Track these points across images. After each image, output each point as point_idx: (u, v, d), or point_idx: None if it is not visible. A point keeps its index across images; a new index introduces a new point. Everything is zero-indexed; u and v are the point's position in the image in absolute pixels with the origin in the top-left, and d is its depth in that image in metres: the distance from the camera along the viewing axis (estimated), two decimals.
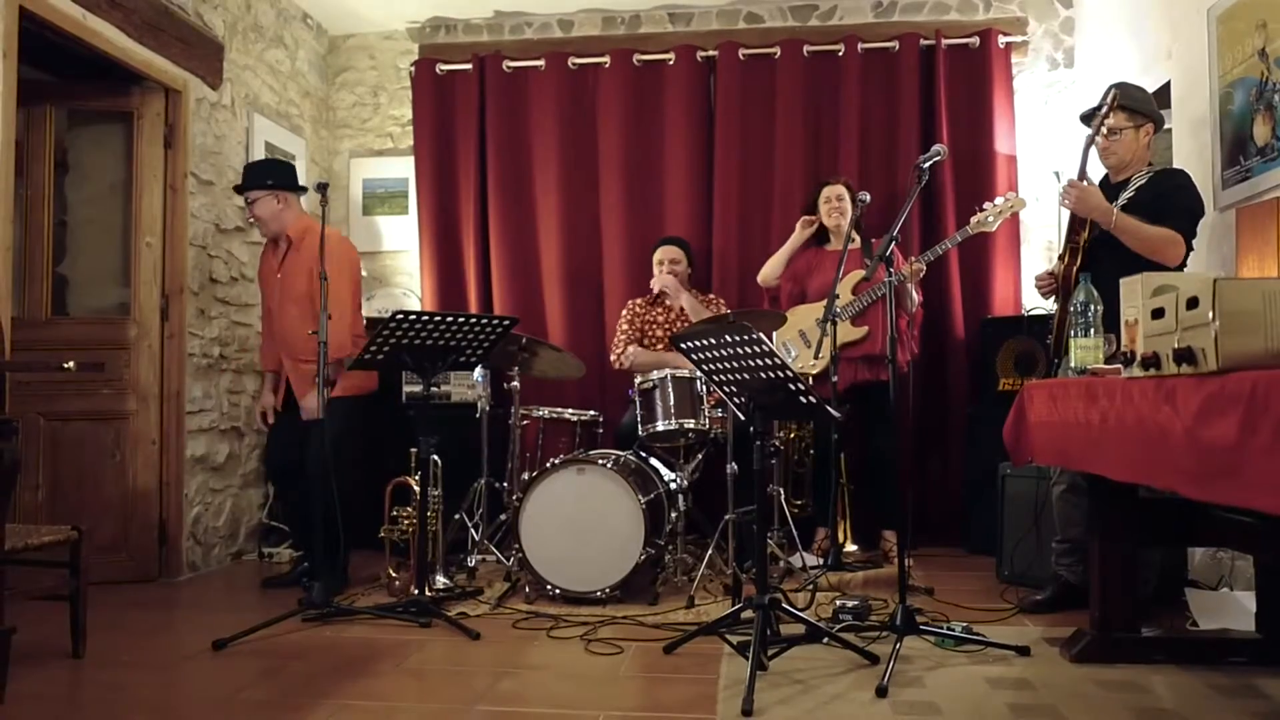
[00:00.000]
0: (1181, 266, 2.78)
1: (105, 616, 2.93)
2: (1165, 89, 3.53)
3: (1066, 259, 2.90)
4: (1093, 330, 2.36)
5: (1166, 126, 3.62)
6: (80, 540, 2.56)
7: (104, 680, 2.40)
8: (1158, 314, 1.86)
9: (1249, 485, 1.46)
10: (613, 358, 4.06)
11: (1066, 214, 2.96)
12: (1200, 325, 1.67)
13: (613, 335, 4.37)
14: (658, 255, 4.05)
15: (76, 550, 2.57)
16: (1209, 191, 3.15)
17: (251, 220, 3.57)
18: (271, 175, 3.51)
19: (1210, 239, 3.17)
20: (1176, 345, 1.75)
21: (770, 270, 3.99)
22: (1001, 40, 4.41)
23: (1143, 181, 2.88)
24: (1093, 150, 2.91)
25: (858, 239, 3.80)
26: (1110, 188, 2.95)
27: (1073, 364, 2.39)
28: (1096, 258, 2.80)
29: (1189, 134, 3.35)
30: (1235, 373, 1.57)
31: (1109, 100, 2.86)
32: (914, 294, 3.70)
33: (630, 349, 3.96)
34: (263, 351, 3.76)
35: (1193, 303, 1.71)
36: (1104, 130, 2.90)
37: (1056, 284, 2.95)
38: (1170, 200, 2.80)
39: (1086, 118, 3.01)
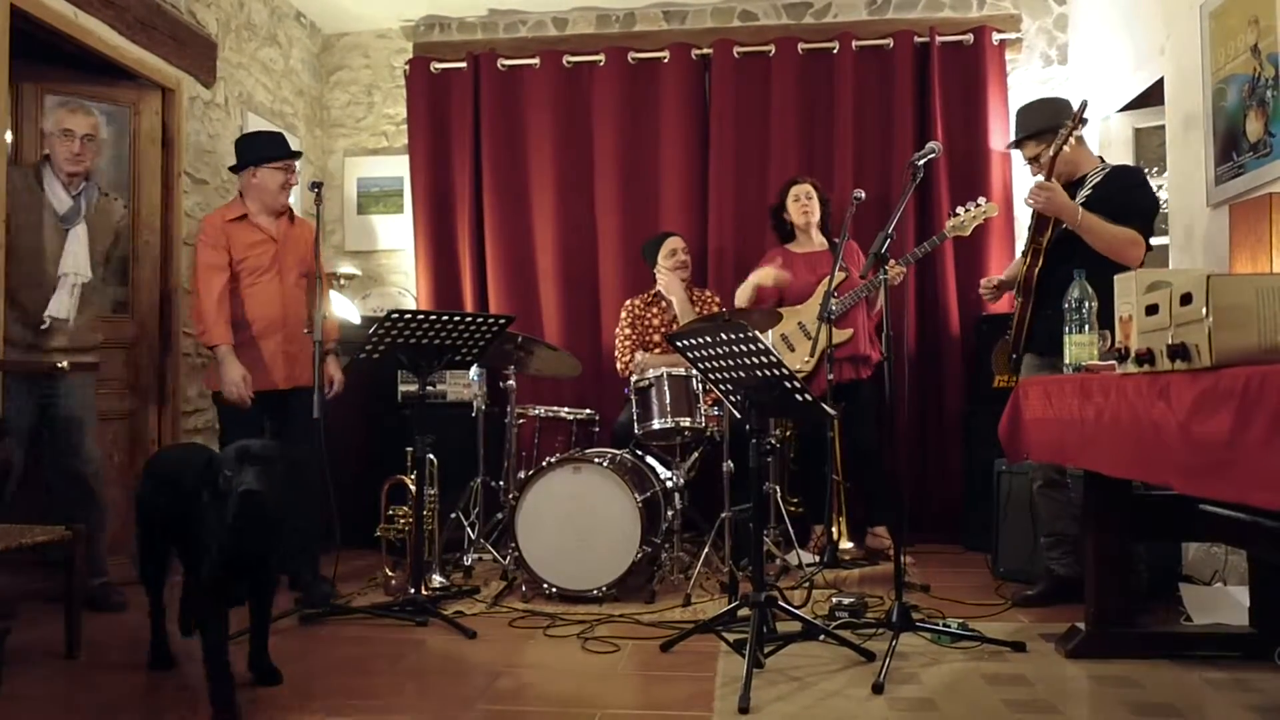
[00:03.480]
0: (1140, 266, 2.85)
1: (101, 617, 2.91)
2: (1158, 85, 3.54)
3: (1029, 259, 2.94)
4: (1087, 326, 2.37)
5: (1159, 123, 3.65)
6: (74, 540, 2.56)
7: (98, 681, 2.39)
8: (1152, 310, 1.87)
9: (1242, 481, 1.46)
10: (619, 366, 4.04)
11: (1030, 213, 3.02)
12: (1194, 321, 1.68)
13: (609, 333, 4.37)
14: (670, 245, 4.01)
15: (70, 550, 2.56)
16: (1202, 188, 3.16)
17: (288, 185, 3.31)
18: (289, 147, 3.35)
19: (1203, 235, 3.18)
20: (1170, 341, 1.76)
21: (741, 300, 3.90)
22: (995, 37, 4.41)
23: (1098, 179, 2.95)
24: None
25: (824, 240, 3.87)
26: (1067, 188, 3.01)
27: (1067, 360, 2.40)
28: (1059, 258, 2.86)
29: (1182, 130, 3.36)
30: (1229, 368, 1.57)
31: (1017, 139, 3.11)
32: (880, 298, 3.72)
33: (638, 355, 3.95)
34: (219, 322, 3.16)
35: (1186, 299, 1.72)
36: (1028, 163, 3.11)
37: (1000, 290, 3.14)
38: (1127, 200, 2.86)
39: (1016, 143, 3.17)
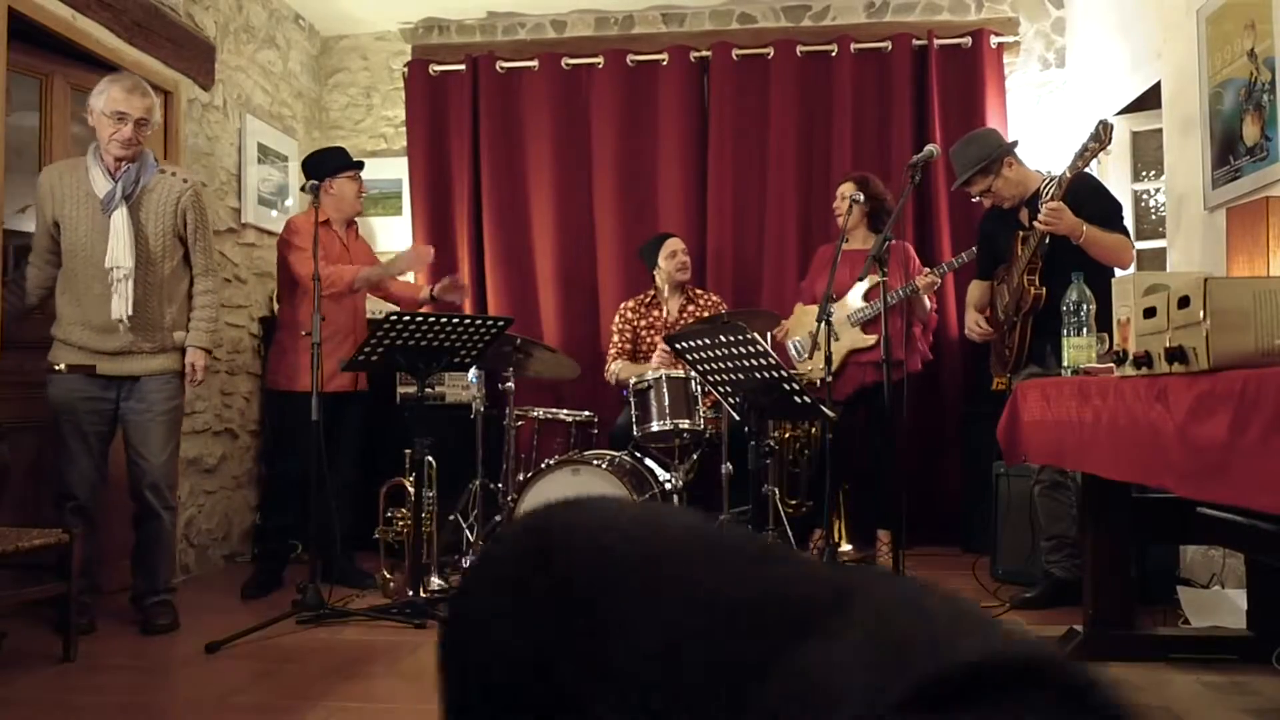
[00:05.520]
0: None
1: (100, 621, 2.90)
2: (1156, 89, 3.55)
3: (1025, 278, 2.96)
4: (1085, 329, 2.38)
5: (1157, 127, 3.67)
6: (70, 543, 2.55)
7: (95, 684, 2.39)
8: (1150, 313, 1.87)
9: (1240, 483, 1.47)
10: (606, 373, 4.06)
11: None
12: (1192, 324, 1.68)
13: (607, 336, 4.37)
14: (670, 246, 3.98)
15: (67, 554, 2.55)
16: (1199, 191, 3.17)
17: (362, 193, 3.66)
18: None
19: (1201, 238, 3.19)
20: (1168, 344, 1.76)
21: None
22: (993, 40, 4.42)
23: (1053, 190, 2.96)
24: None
25: (871, 238, 3.78)
26: (1013, 211, 3.09)
27: (1065, 363, 2.40)
28: (1050, 273, 2.91)
29: (1179, 133, 3.37)
30: (1226, 371, 1.57)
31: (964, 182, 3.16)
32: (926, 302, 3.70)
33: (615, 365, 3.95)
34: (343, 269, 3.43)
35: (1184, 302, 1.72)
36: (979, 198, 3.18)
37: (996, 323, 3.17)
38: (1102, 206, 2.93)
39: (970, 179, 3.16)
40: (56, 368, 2.80)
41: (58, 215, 2.80)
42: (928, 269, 3.67)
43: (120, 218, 2.75)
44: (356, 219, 3.72)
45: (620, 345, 4.03)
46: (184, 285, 2.96)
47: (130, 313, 2.76)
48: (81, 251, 2.78)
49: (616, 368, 3.92)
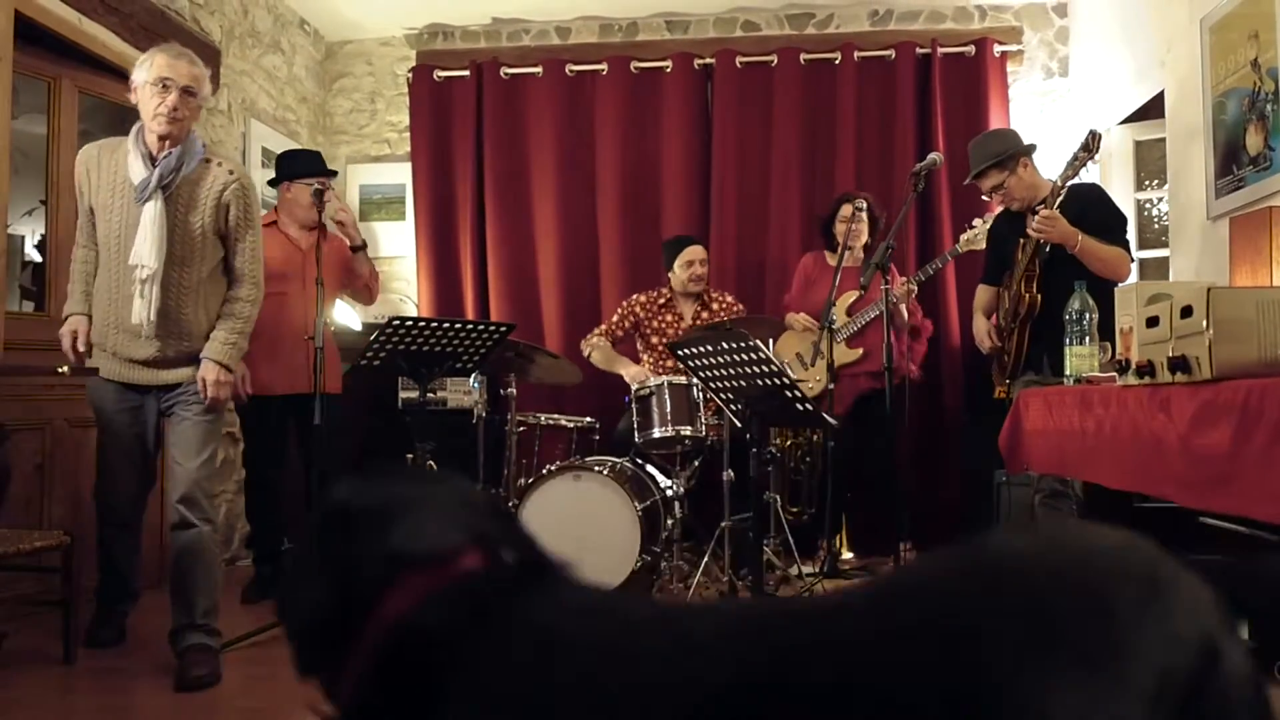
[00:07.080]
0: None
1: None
2: (1159, 98, 3.55)
3: (1023, 286, 2.96)
4: (1088, 338, 2.37)
5: (1160, 136, 3.67)
6: (72, 546, 2.55)
7: (94, 687, 2.39)
8: (1152, 322, 1.87)
9: (1242, 494, 1.46)
10: (583, 343, 4.01)
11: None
12: (1194, 334, 1.68)
13: None
14: (687, 255, 3.87)
15: (68, 556, 2.55)
16: (1202, 201, 3.17)
17: (329, 199, 3.31)
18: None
19: (1204, 248, 3.19)
20: (1171, 354, 1.76)
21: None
22: (997, 49, 4.43)
23: (1061, 200, 2.94)
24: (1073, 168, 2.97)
25: (860, 254, 3.77)
26: (1019, 216, 3.07)
27: (1068, 371, 2.40)
28: (1048, 282, 2.91)
29: (1182, 143, 3.37)
30: (1229, 381, 1.57)
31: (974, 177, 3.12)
32: (905, 311, 3.66)
33: (596, 340, 3.93)
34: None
35: (1187, 311, 1.72)
36: (989, 195, 3.14)
37: (1000, 334, 3.16)
38: (1104, 218, 2.93)
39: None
40: (69, 373, 2.70)
41: (93, 202, 2.51)
42: (903, 278, 3.66)
43: (152, 210, 2.39)
44: (357, 224, 3.60)
45: (610, 327, 3.98)
46: (224, 290, 2.61)
47: (153, 318, 2.41)
48: (114, 245, 2.47)
49: (596, 342, 3.91)
